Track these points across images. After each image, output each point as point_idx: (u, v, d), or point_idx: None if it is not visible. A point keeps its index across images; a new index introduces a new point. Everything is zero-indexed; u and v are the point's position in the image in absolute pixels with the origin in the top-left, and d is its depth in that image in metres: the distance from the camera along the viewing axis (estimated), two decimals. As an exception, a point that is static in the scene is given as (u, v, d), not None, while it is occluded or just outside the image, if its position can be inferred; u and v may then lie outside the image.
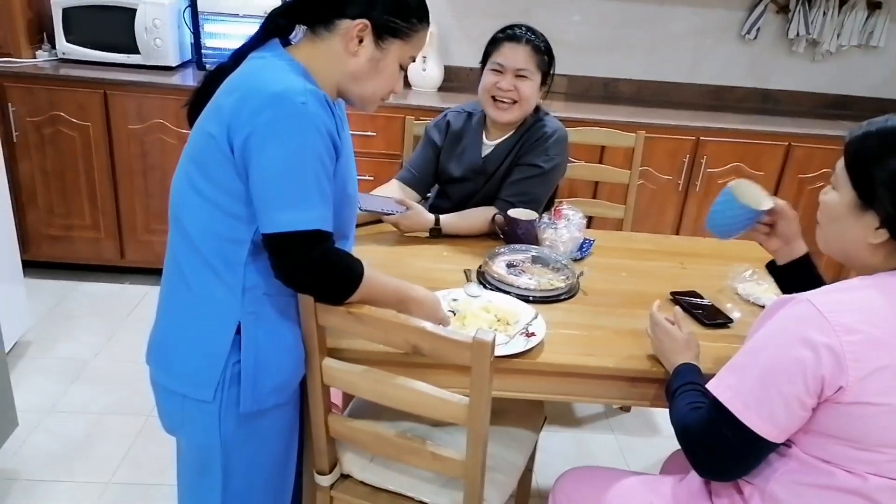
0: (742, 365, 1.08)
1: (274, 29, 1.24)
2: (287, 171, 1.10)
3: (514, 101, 1.91)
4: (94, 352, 2.61)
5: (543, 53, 1.92)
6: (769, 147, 3.06)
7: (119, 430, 2.23)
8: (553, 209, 1.91)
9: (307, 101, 1.10)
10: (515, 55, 1.90)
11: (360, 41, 1.19)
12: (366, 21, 1.17)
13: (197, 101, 1.24)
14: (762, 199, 1.39)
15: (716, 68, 3.50)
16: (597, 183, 3.03)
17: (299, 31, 1.26)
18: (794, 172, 3.09)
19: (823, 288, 1.08)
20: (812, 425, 1.05)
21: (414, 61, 1.30)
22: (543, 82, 1.96)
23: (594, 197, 3.00)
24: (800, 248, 1.41)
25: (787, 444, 1.09)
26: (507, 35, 1.93)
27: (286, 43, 1.25)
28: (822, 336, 0.99)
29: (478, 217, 1.96)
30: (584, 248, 1.88)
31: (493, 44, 1.95)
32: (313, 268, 1.14)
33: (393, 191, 2.01)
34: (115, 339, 2.69)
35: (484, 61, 1.98)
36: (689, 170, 3.07)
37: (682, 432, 1.15)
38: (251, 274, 1.18)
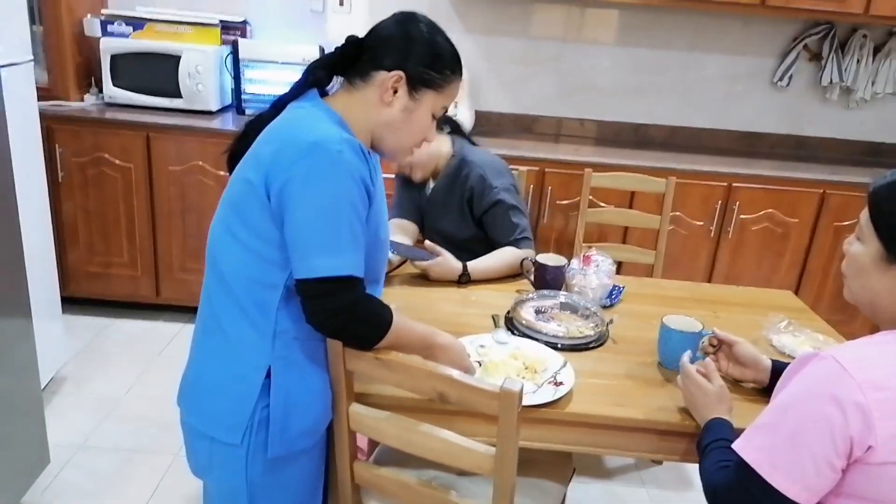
0: (769, 424, 1.04)
1: (313, 80, 1.28)
2: (322, 217, 1.12)
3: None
4: (126, 389, 2.65)
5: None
6: (804, 194, 3.02)
7: (148, 467, 2.24)
8: (582, 255, 1.91)
9: (343, 150, 1.13)
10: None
11: (395, 92, 1.22)
12: (401, 73, 1.21)
13: (237, 148, 1.28)
14: (693, 325, 1.52)
15: (747, 115, 3.49)
16: (626, 228, 3.02)
17: (336, 82, 1.30)
18: (829, 220, 3.04)
19: (848, 343, 1.05)
20: (843, 487, 1.00)
21: (446, 111, 1.33)
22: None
23: (623, 242, 2.99)
24: (766, 363, 1.42)
25: None
26: None
27: (324, 93, 1.29)
28: (848, 394, 0.96)
29: (504, 260, 1.97)
30: (613, 295, 1.87)
31: None
32: (344, 314, 1.15)
33: (392, 232, 2.05)
34: (147, 376, 2.73)
35: None
36: (721, 216, 3.04)
37: (710, 492, 1.11)
38: (283, 318, 1.20)
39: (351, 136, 1.19)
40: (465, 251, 1.98)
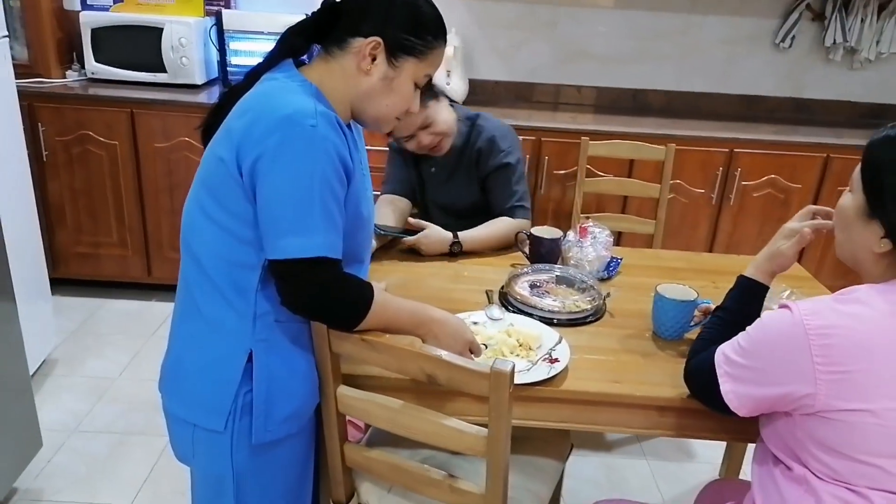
0: (744, 363, 1.10)
1: (289, 49, 1.21)
2: (293, 195, 1.06)
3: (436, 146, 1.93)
4: (119, 370, 2.62)
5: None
6: (806, 159, 2.95)
7: (142, 450, 2.22)
8: (579, 227, 1.85)
9: (317, 124, 1.07)
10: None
11: (373, 59, 1.16)
12: (378, 39, 1.14)
13: (212, 121, 1.21)
14: (688, 293, 1.48)
15: (748, 78, 3.40)
16: (625, 197, 2.96)
17: (314, 51, 1.23)
18: (832, 185, 2.97)
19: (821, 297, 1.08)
20: (808, 439, 1.04)
21: (430, 80, 1.26)
22: (436, 96, 1.91)
23: (623, 212, 2.93)
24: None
25: (797, 468, 1.07)
26: None
27: (300, 63, 1.22)
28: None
29: (498, 230, 1.92)
30: (611, 268, 1.82)
31: None
32: (319, 295, 1.10)
33: (383, 209, 1.99)
34: (140, 357, 2.70)
35: None
36: (722, 183, 2.98)
37: (689, 358, 1.24)
38: (262, 300, 1.15)
39: (327, 109, 1.12)
40: (465, 220, 1.93)
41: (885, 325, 0.99)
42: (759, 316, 1.24)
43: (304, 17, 1.21)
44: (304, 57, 1.24)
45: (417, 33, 1.16)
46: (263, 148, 1.05)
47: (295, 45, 1.21)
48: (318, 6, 1.20)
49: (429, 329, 1.23)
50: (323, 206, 1.08)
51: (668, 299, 1.45)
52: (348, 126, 1.21)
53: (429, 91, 1.84)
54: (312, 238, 1.07)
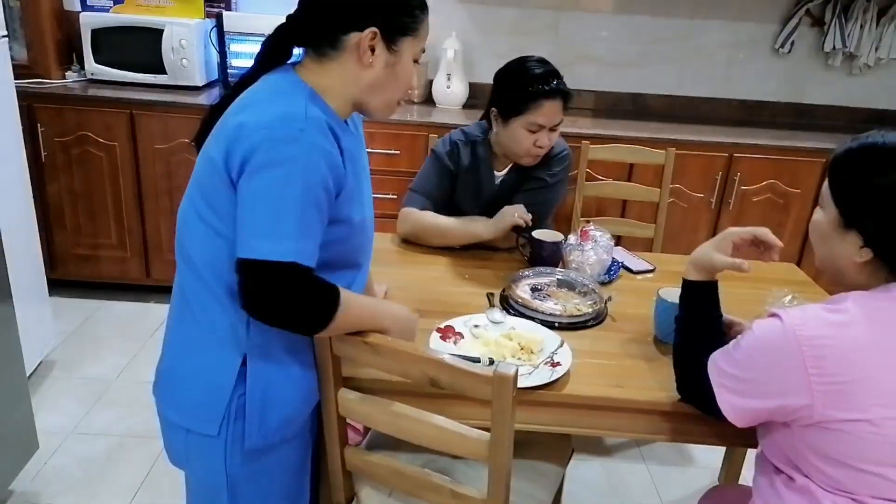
0: (738, 374, 1.10)
1: (271, 59, 1.18)
2: (270, 197, 1.04)
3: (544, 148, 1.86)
4: (117, 372, 2.60)
5: (571, 93, 1.85)
6: (806, 164, 2.95)
7: (139, 453, 2.21)
8: (580, 230, 1.85)
9: (305, 129, 1.05)
10: (554, 112, 1.80)
11: (373, 51, 1.13)
12: (374, 29, 1.12)
13: (203, 133, 1.20)
14: None
15: (748, 83, 3.40)
16: (625, 201, 2.96)
17: (300, 52, 1.21)
18: (832, 190, 2.97)
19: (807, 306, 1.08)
20: (808, 450, 1.04)
21: (424, 52, 1.23)
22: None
23: (622, 216, 2.93)
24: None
25: (800, 478, 1.07)
26: (545, 92, 1.78)
27: (294, 62, 1.20)
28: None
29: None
30: (612, 272, 1.81)
31: (531, 99, 1.78)
32: (281, 301, 1.05)
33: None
34: (138, 360, 2.69)
35: (510, 110, 1.82)
36: (721, 187, 2.98)
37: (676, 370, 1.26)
38: None
39: (320, 113, 1.09)
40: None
41: (876, 333, 0.99)
42: (719, 311, 1.27)
43: (282, 23, 1.19)
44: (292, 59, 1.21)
45: (406, 11, 1.15)
46: (251, 150, 1.04)
47: (276, 53, 1.18)
48: (294, 9, 1.17)
49: (381, 324, 1.20)
50: (301, 213, 1.05)
51: (670, 303, 1.45)
52: (346, 122, 1.20)
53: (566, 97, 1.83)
54: (283, 243, 1.04)
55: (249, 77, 1.18)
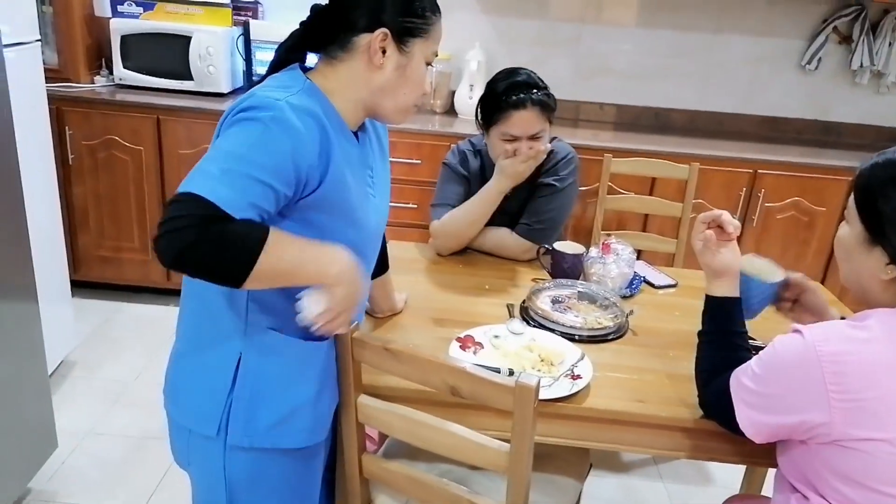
0: (758, 390, 1.09)
1: (285, 65, 1.18)
2: (220, 147, 1.01)
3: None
4: (136, 374, 2.62)
5: (550, 103, 1.82)
6: (831, 182, 2.92)
7: (156, 455, 2.22)
8: (601, 243, 1.83)
9: (283, 106, 1.03)
10: (525, 123, 1.78)
11: (384, 52, 1.13)
12: (385, 30, 1.11)
13: None
14: (773, 273, 1.38)
15: (773, 99, 3.38)
16: (647, 215, 2.94)
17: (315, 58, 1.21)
18: (857, 208, 2.93)
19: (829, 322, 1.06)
20: (824, 469, 1.03)
21: (437, 56, 1.23)
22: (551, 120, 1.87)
23: (643, 230, 2.91)
24: (834, 317, 1.34)
25: (814, 498, 1.05)
26: (511, 102, 1.77)
27: (306, 69, 1.19)
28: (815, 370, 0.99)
29: (498, 235, 1.94)
30: (633, 285, 1.80)
31: (498, 111, 1.79)
32: (188, 237, 0.93)
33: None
34: (157, 362, 2.71)
35: (485, 121, 1.85)
36: (745, 204, 2.95)
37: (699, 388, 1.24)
38: (254, 307, 1.13)
39: (312, 104, 1.07)
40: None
41: None
42: (743, 325, 1.26)
43: (295, 29, 1.19)
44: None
45: (417, 12, 1.14)
46: (227, 114, 1.06)
47: (290, 58, 1.18)
48: (308, 14, 1.18)
49: (326, 272, 1.06)
50: (248, 172, 0.98)
51: (749, 278, 1.35)
52: (361, 129, 1.20)
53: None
54: (212, 183, 0.95)
55: (259, 83, 1.17)
